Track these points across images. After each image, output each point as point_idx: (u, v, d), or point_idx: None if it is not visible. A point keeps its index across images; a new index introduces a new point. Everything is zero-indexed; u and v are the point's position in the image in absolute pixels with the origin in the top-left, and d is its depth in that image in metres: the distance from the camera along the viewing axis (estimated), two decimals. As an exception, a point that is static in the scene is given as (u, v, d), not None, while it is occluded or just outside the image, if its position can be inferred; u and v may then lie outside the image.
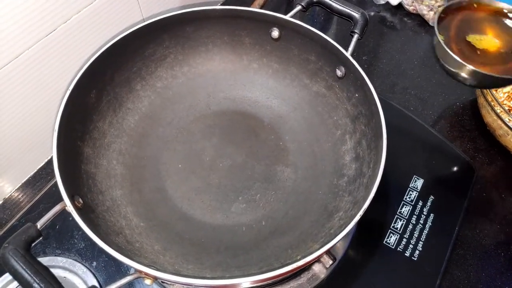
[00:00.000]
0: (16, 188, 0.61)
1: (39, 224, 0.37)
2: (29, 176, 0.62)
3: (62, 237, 0.55)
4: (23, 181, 0.61)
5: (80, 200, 0.42)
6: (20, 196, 0.60)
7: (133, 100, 0.56)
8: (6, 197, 0.60)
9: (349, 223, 0.39)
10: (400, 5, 0.87)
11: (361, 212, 0.39)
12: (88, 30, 0.55)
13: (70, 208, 0.38)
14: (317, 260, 0.49)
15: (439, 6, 0.86)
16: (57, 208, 0.39)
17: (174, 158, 0.55)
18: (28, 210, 0.58)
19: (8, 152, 0.56)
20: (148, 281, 0.37)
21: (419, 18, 0.87)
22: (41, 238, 0.37)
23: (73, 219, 0.38)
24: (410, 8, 0.86)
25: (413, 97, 0.75)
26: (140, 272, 0.36)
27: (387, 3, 0.88)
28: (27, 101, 0.54)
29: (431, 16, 0.85)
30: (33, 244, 0.36)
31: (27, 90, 0.53)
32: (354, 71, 0.50)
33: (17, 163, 0.59)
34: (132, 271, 0.44)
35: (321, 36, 0.51)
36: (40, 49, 0.51)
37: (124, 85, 0.54)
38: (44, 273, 0.34)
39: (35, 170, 0.62)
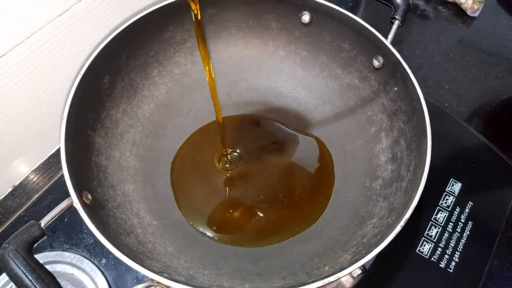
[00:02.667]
0: (27, 175, 0.58)
1: (43, 222, 0.34)
2: (39, 163, 0.59)
3: (71, 231, 0.51)
4: (34, 167, 0.58)
5: (89, 196, 0.38)
6: (30, 183, 0.57)
7: (149, 87, 0.52)
8: (16, 184, 0.57)
9: (387, 233, 0.35)
10: (435, -8, 0.81)
11: (402, 223, 0.35)
12: (104, 11, 0.51)
13: (77, 205, 0.35)
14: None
15: (478, -6, 0.79)
16: (63, 204, 0.35)
17: (192, 151, 0.51)
18: (36, 201, 0.55)
19: (20, 137, 0.53)
20: (160, 290, 0.33)
21: (455, 7, 0.80)
22: (45, 238, 0.33)
23: (83, 213, 0.35)
24: (447, -4, 0.80)
25: (448, 92, 0.69)
26: (152, 280, 0.32)
27: (422, -11, 0.81)
28: (36, 86, 0.50)
29: (469, 5, 0.79)
30: (35, 245, 0.33)
31: (39, 72, 0.49)
32: (394, 61, 0.45)
33: (29, 149, 0.56)
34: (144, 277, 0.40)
35: (358, 22, 0.46)
36: (55, 28, 0.47)
37: (140, 70, 0.50)
38: (47, 279, 0.30)
39: (46, 157, 0.59)
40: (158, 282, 0.33)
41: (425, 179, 0.37)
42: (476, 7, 0.78)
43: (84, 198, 0.37)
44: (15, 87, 0.48)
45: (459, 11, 0.79)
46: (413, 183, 0.39)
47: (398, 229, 0.34)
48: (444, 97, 0.68)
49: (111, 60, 0.46)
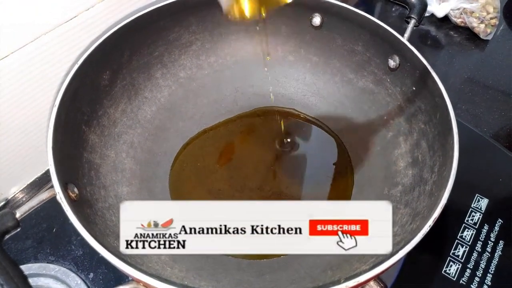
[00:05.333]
0: (21, 189, 0.54)
1: (19, 213, 0.30)
2: (35, 177, 0.56)
3: (58, 242, 0.47)
4: (28, 183, 0.55)
5: (76, 190, 0.35)
6: (24, 197, 0.54)
7: (151, 88, 0.49)
8: (9, 197, 0.53)
9: (411, 238, 0.30)
10: (446, 18, 0.80)
11: (430, 223, 0.30)
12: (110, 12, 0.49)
13: (60, 195, 0.31)
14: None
15: (491, 18, 0.78)
16: (44, 195, 0.31)
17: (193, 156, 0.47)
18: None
19: (21, 151, 0.50)
20: (148, 296, 0.28)
21: (467, 32, 0.78)
22: (19, 230, 0.29)
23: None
24: (458, 21, 0.78)
25: (465, 112, 0.65)
26: (139, 281, 0.28)
27: (432, 15, 0.80)
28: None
29: (481, 28, 0.77)
30: (7, 236, 0.29)
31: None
32: (412, 59, 0.42)
33: (27, 164, 0.53)
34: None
35: (373, 21, 0.44)
36: (54, 38, 0.44)
37: (142, 70, 0.48)
38: (13, 272, 0.26)
39: (42, 172, 0.55)
40: (145, 284, 0.28)
41: (454, 175, 0.33)
42: (489, 30, 0.76)
43: (69, 192, 0.33)
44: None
45: (472, 36, 0.77)
46: (438, 184, 0.35)
47: (426, 229, 0.30)
48: (461, 117, 0.64)
49: (112, 55, 0.44)
